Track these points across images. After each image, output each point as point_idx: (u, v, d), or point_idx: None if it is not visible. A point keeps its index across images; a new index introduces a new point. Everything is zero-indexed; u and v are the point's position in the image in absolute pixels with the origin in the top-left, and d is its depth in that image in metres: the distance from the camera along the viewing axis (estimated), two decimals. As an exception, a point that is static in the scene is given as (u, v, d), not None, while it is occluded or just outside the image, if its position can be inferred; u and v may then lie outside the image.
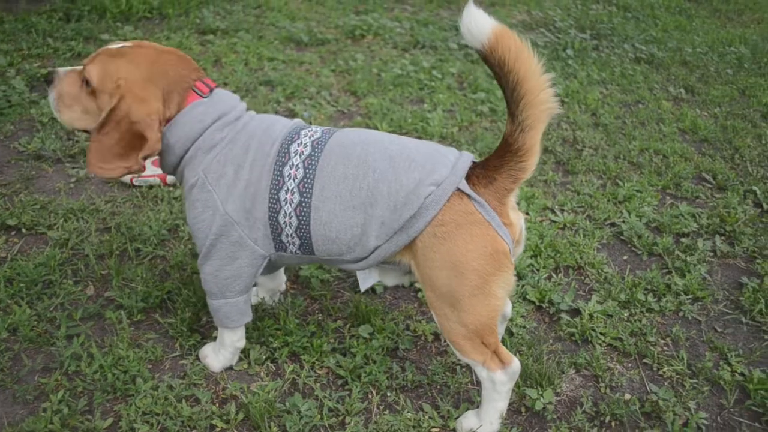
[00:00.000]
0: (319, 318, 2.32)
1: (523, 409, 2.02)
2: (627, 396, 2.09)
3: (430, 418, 1.94)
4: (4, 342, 2.10)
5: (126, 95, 1.78)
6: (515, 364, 1.83)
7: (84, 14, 5.20)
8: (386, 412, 1.96)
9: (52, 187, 3.03)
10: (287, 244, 1.87)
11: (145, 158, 1.82)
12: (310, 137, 1.85)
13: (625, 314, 2.45)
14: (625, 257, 2.83)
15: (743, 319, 2.49)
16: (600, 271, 2.69)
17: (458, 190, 1.71)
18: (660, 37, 6.30)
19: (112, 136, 1.79)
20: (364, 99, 4.28)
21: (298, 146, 1.83)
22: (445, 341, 2.28)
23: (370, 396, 2.02)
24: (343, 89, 4.44)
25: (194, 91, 1.87)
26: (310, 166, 1.80)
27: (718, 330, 2.43)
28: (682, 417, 2.01)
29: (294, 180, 1.80)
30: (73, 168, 3.20)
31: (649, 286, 2.60)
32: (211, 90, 1.90)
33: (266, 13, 5.98)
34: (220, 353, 2.06)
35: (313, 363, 2.11)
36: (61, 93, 1.91)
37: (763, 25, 7.09)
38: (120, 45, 1.89)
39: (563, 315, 2.41)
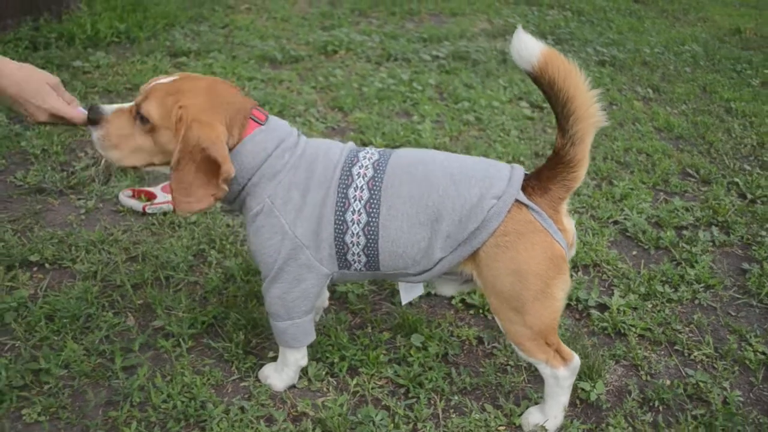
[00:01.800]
0: (368, 331, 2.40)
1: (577, 402, 2.15)
2: (667, 381, 2.24)
3: (495, 417, 2.05)
4: (61, 379, 2.11)
5: (192, 124, 1.82)
6: (576, 359, 1.96)
7: (51, 42, 5.14)
8: (453, 415, 2.06)
9: (63, 219, 3.03)
10: (352, 262, 1.96)
11: (225, 182, 1.86)
12: (369, 159, 1.94)
13: (649, 306, 2.62)
14: (634, 252, 3.02)
15: (753, 302, 2.69)
16: (616, 267, 2.86)
17: (517, 201, 1.84)
18: (617, 39, 6.62)
19: (189, 168, 1.83)
20: (351, 114, 4.38)
21: (360, 168, 1.92)
22: (490, 344, 2.40)
23: (434, 401, 2.11)
24: (329, 105, 4.53)
25: (252, 119, 1.94)
26: (374, 187, 1.89)
27: (732, 314, 2.63)
28: (720, 396, 2.18)
29: (360, 201, 1.89)
30: (79, 199, 3.19)
31: (664, 278, 2.79)
32: (267, 117, 1.97)
33: (234, 32, 6.02)
34: (283, 372, 2.12)
35: (372, 375, 2.20)
36: (108, 133, 1.92)
37: (708, 24, 7.53)
38: (169, 79, 1.93)
39: (592, 311, 2.57)
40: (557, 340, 1.94)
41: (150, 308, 2.47)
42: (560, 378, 1.95)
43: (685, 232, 3.16)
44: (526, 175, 1.91)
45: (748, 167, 3.93)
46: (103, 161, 3.53)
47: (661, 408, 2.14)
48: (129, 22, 5.77)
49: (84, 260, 2.70)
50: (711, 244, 3.09)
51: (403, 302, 2.23)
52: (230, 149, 1.89)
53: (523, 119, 4.49)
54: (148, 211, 3.09)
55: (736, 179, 3.72)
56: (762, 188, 3.62)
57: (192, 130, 1.82)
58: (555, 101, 1.79)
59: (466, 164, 1.92)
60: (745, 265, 2.93)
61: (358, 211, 1.89)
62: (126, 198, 3.15)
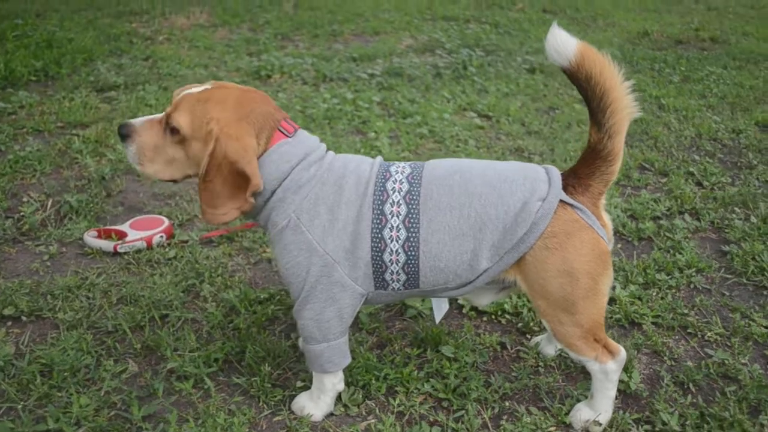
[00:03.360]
0: (395, 348, 2.33)
1: (617, 394, 2.16)
2: (691, 364, 2.30)
3: (544, 419, 2.03)
4: (76, 437, 1.93)
5: (220, 136, 1.75)
6: (622, 352, 1.97)
7: (-36, 85, 4.79)
8: (504, 422, 2.02)
9: (26, 268, 2.79)
10: (390, 282, 1.89)
11: (253, 196, 1.78)
12: (402, 173, 1.89)
13: (653, 294, 2.69)
14: (619, 245, 3.10)
15: (743, 281, 2.82)
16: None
17: (561, 201, 1.83)
18: (539, 47, 6.86)
19: (217, 181, 1.76)
20: None
21: (394, 183, 1.87)
22: (513, 348, 2.38)
23: (480, 411, 2.07)
24: None
25: (280, 130, 1.86)
26: (412, 202, 1.84)
27: (727, 294, 2.74)
28: (746, 372, 2.25)
29: (398, 217, 1.83)
30: (38, 245, 2.97)
31: (657, 266, 2.87)
32: (295, 130, 1.90)
33: (158, 63, 5.84)
34: (320, 400, 2.02)
35: (410, 392, 2.13)
36: (142, 146, 1.86)
37: (618, 28, 7.94)
38: (201, 88, 1.85)
39: (602, 304, 2.60)
40: (604, 335, 1.94)
41: (151, 351, 2.30)
42: (609, 372, 1.95)
43: (662, 221, 3.27)
44: (561, 174, 1.91)
45: (697, 157, 4.14)
46: (50, 203, 3.31)
47: (694, 389, 2.19)
48: (45, 58, 5.47)
49: (65, 308, 2.49)
50: (686, 231, 3.22)
51: (437, 320, 2.19)
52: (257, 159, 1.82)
53: (475, 129, 4.55)
54: (120, 250, 2.91)
55: (691, 169, 3.90)
56: (715, 175, 3.82)
57: (221, 143, 1.75)
58: (591, 95, 1.81)
59: (502, 169, 1.90)
60: (724, 248, 3.06)
61: (397, 227, 1.84)
62: (92, 239, 2.95)
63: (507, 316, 2.55)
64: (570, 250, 1.81)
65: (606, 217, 1.91)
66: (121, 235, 2.96)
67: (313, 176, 1.87)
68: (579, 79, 1.81)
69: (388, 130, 4.43)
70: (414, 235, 1.83)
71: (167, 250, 2.94)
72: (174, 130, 1.82)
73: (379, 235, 1.83)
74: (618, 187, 3.69)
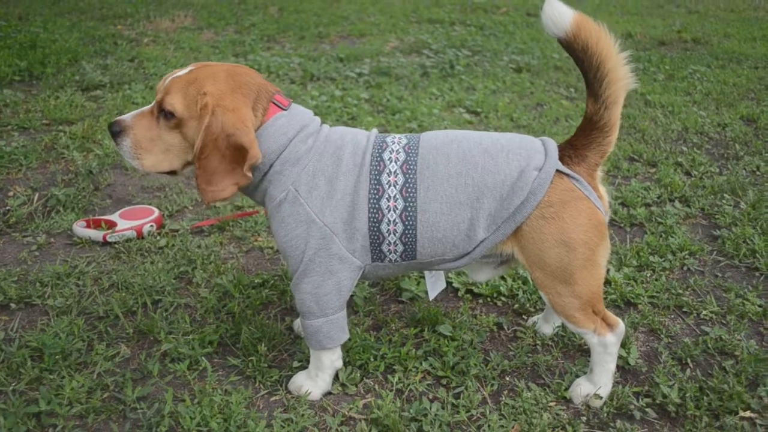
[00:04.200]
0: (393, 328, 2.31)
1: (616, 369, 2.16)
2: (688, 341, 2.30)
3: (544, 395, 2.01)
4: (69, 419, 1.88)
5: (216, 109, 1.73)
6: (621, 325, 1.96)
7: (-53, 83, 4.73)
8: (504, 398, 2.01)
9: (14, 257, 2.75)
10: (387, 253, 1.88)
11: (250, 170, 1.76)
12: (398, 143, 1.88)
13: (647, 275, 2.69)
14: (611, 231, 3.10)
15: (735, 263, 2.83)
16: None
17: (557, 171, 1.83)
18: (525, 48, 6.92)
19: (214, 157, 1.73)
20: None
21: (391, 153, 1.86)
22: (510, 328, 2.37)
23: (479, 388, 2.05)
24: None
25: (275, 103, 1.85)
26: (409, 171, 1.83)
27: (719, 275, 2.75)
28: (742, 348, 2.25)
29: (395, 186, 1.82)
30: (25, 236, 2.92)
31: (650, 249, 2.88)
32: (290, 103, 1.89)
33: (145, 64, 5.80)
34: (318, 378, 1.99)
35: (409, 370, 2.11)
36: (137, 139, 1.82)
37: (601, 31, 8.00)
38: (185, 70, 1.83)
39: (597, 286, 2.60)
40: (603, 308, 1.94)
41: (144, 335, 2.27)
42: (608, 345, 1.94)
43: (653, 208, 3.29)
44: (558, 145, 1.91)
45: (685, 149, 4.17)
46: (36, 197, 3.26)
47: (692, 364, 2.19)
48: (29, 59, 5.42)
49: (55, 295, 2.45)
50: (677, 216, 3.23)
51: (431, 297, 2.17)
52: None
53: (465, 123, 4.56)
54: (110, 239, 2.87)
55: (679, 159, 3.93)
56: (703, 165, 3.85)
57: (216, 116, 1.72)
58: (588, 65, 1.81)
59: (499, 139, 1.89)
60: (715, 232, 3.08)
61: (394, 197, 1.82)
62: (81, 229, 2.91)
63: (503, 298, 2.55)
64: (567, 220, 1.81)
65: (602, 189, 1.91)
66: (111, 225, 2.92)
67: (311, 148, 1.85)
68: (575, 49, 1.81)
69: (377, 125, 4.42)
70: (411, 204, 1.81)
71: (158, 239, 2.91)
72: (168, 115, 1.79)
73: (377, 206, 1.82)
74: (608, 177, 3.71)
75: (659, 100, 5.21)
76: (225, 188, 1.76)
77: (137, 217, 2.98)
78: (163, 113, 1.80)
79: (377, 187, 1.82)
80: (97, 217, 2.98)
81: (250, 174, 1.77)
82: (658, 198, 3.42)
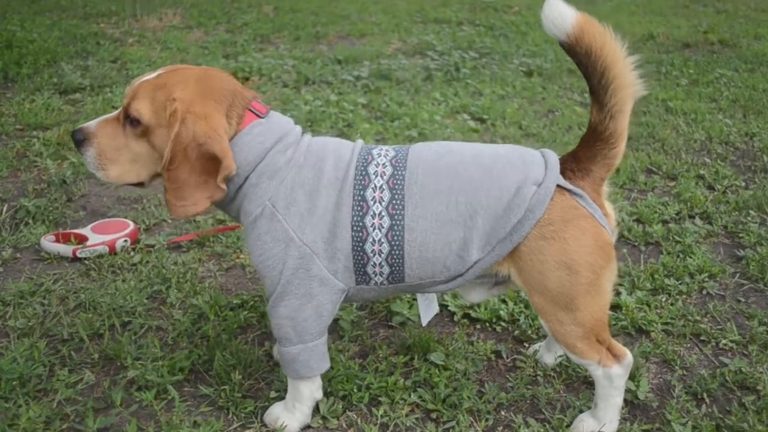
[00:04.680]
0: (380, 355, 2.28)
1: (623, 403, 2.12)
2: (704, 373, 2.25)
3: (545, 431, 1.98)
4: (23, 452, 1.86)
5: (186, 117, 1.71)
6: (629, 356, 1.93)
7: None
8: (499, 434, 1.98)
9: (-26, 275, 2.73)
10: (372, 275, 1.85)
11: (224, 182, 1.74)
12: (385, 156, 1.86)
13: (662, 300, 2.65)
14: (624, 250, 3.07)
15: (760, 287, 2.79)
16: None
17: (558, 186, 1.80)
18: (537, 50, 6.91)
19: (183, 167, 1.71)
20: None
21: (377, 167, 1.83)
22: (510, 357, 2.34)
23: (472, 423, 2.02)
24: None
25: (251, 110, 1.83)
26: (396, 186, 1.80)
27: (742, 300, 2.70)
28: (761, 381, 2.21)
29: (381, 203, 1.79)
30: (-17, 253, 2.91)
31: (666, 271, 2.84)
32: (268, 110, 1.87)
33: (128, 65, 5.82)
34: (296, 410, 1.96)
35: (396, 402, 2.07)
36: (101, 148, 1.81)
37: (620, 31, 7.96)
38: (154, 74, 1.81)
39: (606, 311, 2.57)
40: (608, 337, 1.90)
41: (110, 360, 2.24)
42: (614, 377, 1.90)
43: (671, 225, 3.25)
44: (560, 158, 1.88)
45: (708, 160, 4.13)
46: (5, 208, 3.25)
47: (708, 400, 2.14)
48: (5, 59, 5.45)
49: (16, 315, 2.44)
50: (697, 235, 3.20)
51: (424, 322, 2.15)
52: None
53: (469, 132, 4.55)
54: (80, 255, 2.85)
55: (701, 172, 3.90)
56: (728, 178, 3.81)
57: (186, 123, 1.71)
58: (591, 71, 1.78)
59: (495, 152, 1.87)
60: (739, 252, 3.04)
61: (379, 214, 1.80)
62: (49, 243, 2.90)
63: (502, 323, 2.51)
64: (569, 240, 1.78)
65: (609, 206, 1.88)
66: (82, 239, 2.91)
67: (290, 160, 1.83)
68: (578, 53, 1.79)
69: (374, 133, 4.42)
70: (398, 222, 1.79)
71: (132, 255, 2.89)
72: (134, 122, 1.77)
73: (361, 223, 1.79)
74: (623, 190, 3.68)
75: (681, 106, 5.18)
76: (196, 202, 1.74)
77: (110, 231, 2.97)
78: (130, 120, 1.78)
79: (361, 203, 1.80)
80: (66, 231, 2.97)
81: (224, 186, 1.75)
82: (677, 214, 3.39)
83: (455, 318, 2.54)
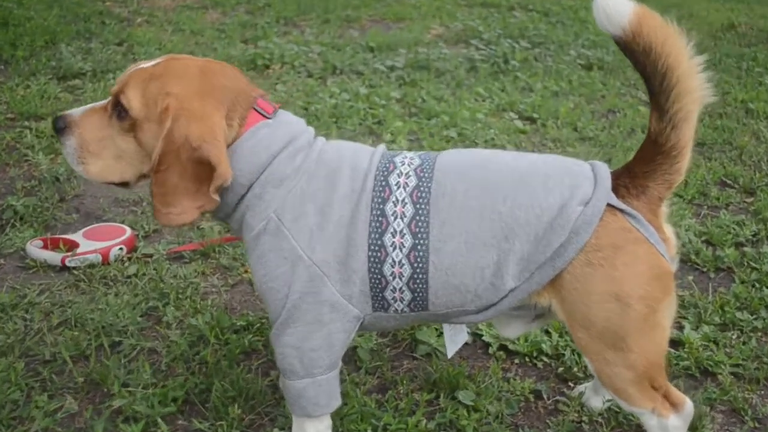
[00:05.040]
0: (400, 391, 2.26)
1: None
2: (780, 426, 2.19)
3: (587, 487, 1.93)
4: (-8, 488, 1.86)
5: (180, 115, 1.70)
6: (688, 404, 1.87)
7: None
8: (534, 489, 1.93)
9: (-48, 284, 2.77)
10: (392, 301, 1.82)
11: (217, 191, 1.73)
12: (410, 165, 1.83)
13: (732, 337, 2.58)
14: (691, 277, 3.00)
15: None
16: (677, 295, 2.82)
17: (609, 205, 1.75)
18: (598, 40, 6.84)
19: (173, 170, 1.70)
20: None
21: (399, 177, 1.80)
22: (551, 398, 2.29)
23: (504, 474, 1.98)
24: None
25: (257, 110, 1.81)
26: (421, 200, 1.77)
27: (831, 341, 2.62)
28: None
29: (402, 219, 1.76)
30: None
31: (739, 303, 2.77)
32: (275, 110, 1.85)
33: (134, 48, 5.89)
34: (301, 453, 1.94)
35: (417, 447, 2.05)
36: (84, 139, 1.81)
37: (696, 20, 7.87)
38: (153, 62, 1.81)
39: (666, 348, 2.51)
40: (665, 382, 1.85)
41: (96, 386, 2.25)
42: (670, 429, 1.85)
43: (746, 249, 3.17)
44: (612, 173, 1.83)
45: (793, 173, 4.04)
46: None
47: (783, 459, 2.08)
48: (-1, 39, 5.55)
49: (-5, 331, 2.46)
50: (777, 261, 3.12)
51: (449, 354, 2.12)
52: (228, 145, 1.77)
53: (516, 133, 4.51)
54: (69, 264, 2.87)
55: (786, 186, 3.82)
56: (817, 195, 3.72)
57: (180, 122, 1.69)
58: (652, 72, 1.74)
59: (535, 163, 1.83)
60: (829, 283, 2.95)
61: (401, 231, 1.76)
62: (36, 249, 2.92)
63: (545, 358, 2.47)
64: (620, 268, 1.73)
65: (668, 230, 1.83)
66: (72, 246, 2.93)
67: (300, 167, 1.81)
68: (636, 51, 1.74)
69: (407, 132, 4.40)
70: (422, 242, 1.75)
71: (127, 265, 2.90)
72: (122, 114, 1.76)
73: (379, 242, 1.76)
74: (691, 206, 3.60)
75: (765, 109, 5.08)
76: (185, 211, 1.73)
77: (104, 238, 2.98)
78: (118, 111, 1.77)
79: (380, 218, 1.77)
80: (55, 236, 2.99)
81: (216, 197, 1.73)
82: (754, 236, 3.31)
83: (490, 350, 2.50)
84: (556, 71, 5.84)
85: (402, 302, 1.82)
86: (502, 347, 2.51)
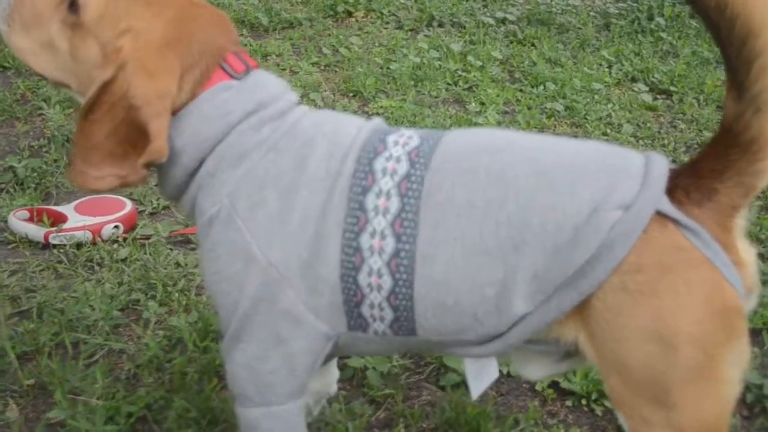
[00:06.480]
0: (401, 431, 2.18)
1: None
2: None
3: None
4: None
5: (130, 63, 1.67)
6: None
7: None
8: None
9: None
10: (370, 320, 1.73)
11: (147, 166, 1.71)
12: (404, 146, 1.73)
13: None
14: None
15: None
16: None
17: (658, 213, 1.61)
18: (778, -5, 6.46)
19: (102, 125, 1.69)
20: (374, 102, 4.30)
21: (387, 161, 1.71)
22: (602, 455, 2.16)
23: None
24: (339, 89, 4.45)
25: (223, 68, 1.76)
26: (410, 193, 1.67)
27: None
28: None
29: (385, 215, 1.67)
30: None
31: None
32: (248, 68, 1.79)
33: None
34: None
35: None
36: (21, 2, 1.79)
37: None
38: None
39: (771, 403, 2.33)
40: (725, 452, 1.70)
41: (46, 390, 2.28)
42: None
43: None
44: (672, 170, 1.67)
45: None
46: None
47: None
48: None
49: (-54, 316, 2.53)
50: None
51: (474, 394, 2.00)
52: (174, 112, 1.73)
53: (640, 109, 4.36)
54: (53, 241, 2.93)
55: None
56: None
57: (126, 72, 1.67)
58: (727, 37, 1.58)
59: (565, 151, 1.70)
60: None
61: (381, 232, 1.67)
62: (19, 222, 3.00)
63: (606, 403, 2.33)
64: (665, 298, 1.58)
65: (744, 250, 1.65)
66: (59, 219, 2.99)
67: (264, 141, 1.75)
68: (707, 8, 1.58)
69: (502, 102, 4.33)
70: (407, 247, 1.66)
71: (118, 247, 2.94)
72: (74, 6, 1.74)
73: (354, 243, 1.68)
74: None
75: None
76: (103, 177, 1.72)
77: (98, 212, 3.03)
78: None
79: (357, 213, 1.68)
80: (42, 206, 3.06)
81: (145, 171, 1.71)
82: None
83: (539, 385, 2.38)
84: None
85: (382, 322, 1.73)
86: (554, 383, 2.40)
